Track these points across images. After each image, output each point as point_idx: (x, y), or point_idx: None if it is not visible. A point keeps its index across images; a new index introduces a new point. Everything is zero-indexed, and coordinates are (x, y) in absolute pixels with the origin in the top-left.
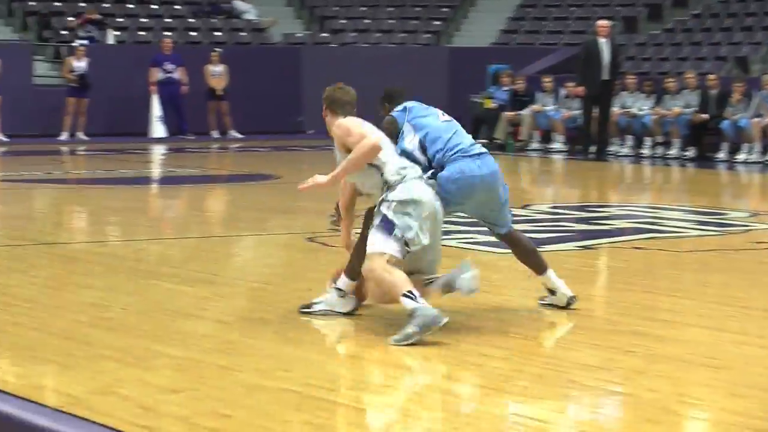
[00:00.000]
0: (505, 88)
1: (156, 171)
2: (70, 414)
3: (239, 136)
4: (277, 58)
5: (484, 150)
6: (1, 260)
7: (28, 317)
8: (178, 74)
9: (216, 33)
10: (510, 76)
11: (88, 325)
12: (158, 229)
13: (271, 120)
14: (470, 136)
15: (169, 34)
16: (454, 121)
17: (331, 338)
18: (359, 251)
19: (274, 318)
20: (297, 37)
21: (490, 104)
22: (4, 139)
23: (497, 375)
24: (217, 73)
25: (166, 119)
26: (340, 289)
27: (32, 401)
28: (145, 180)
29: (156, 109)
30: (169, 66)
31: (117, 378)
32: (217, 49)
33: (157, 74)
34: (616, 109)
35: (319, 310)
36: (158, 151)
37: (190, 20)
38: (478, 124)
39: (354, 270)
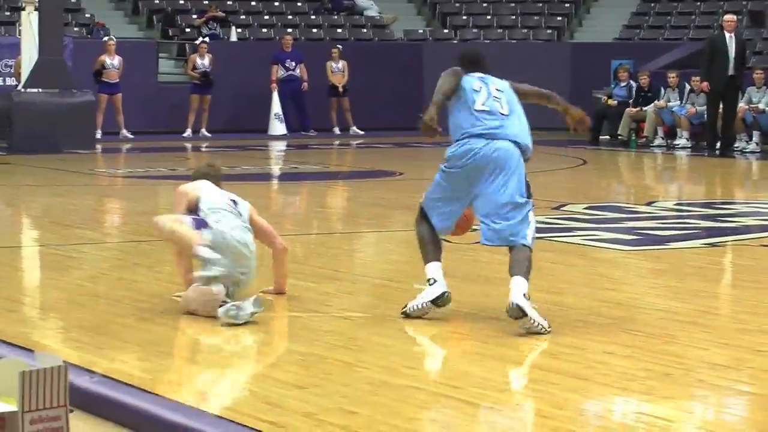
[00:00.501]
0: (623, 84)
1: (278, 167)
2: (197, 409)
3: (361, 132)
4: (398, 55)
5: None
6: (127, 256)
7: (154, 312)
8: (299, 71)
9: (337, 29)
10: (627, 71)
11: (213, 321)
12: (280, 225)
13: (392, 116)
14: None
15: (290, 31)
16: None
17: (455, 335)
18: None
19: (398, 314)
20: (418, 33)
21: (610, 102)
22: (129, 135)
23: (622, 374)
24: (338, 70)
25: (288, 116)
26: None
27: (160, 396)
28: (267, 176)
29: (276, 106)
30: (290, 63)
31: (244, 374)
32: (338, 46)
33: (277, 71)
34: (742, 105)
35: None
36: (279, 148)
37: (311, 17)
38: (601, 120)
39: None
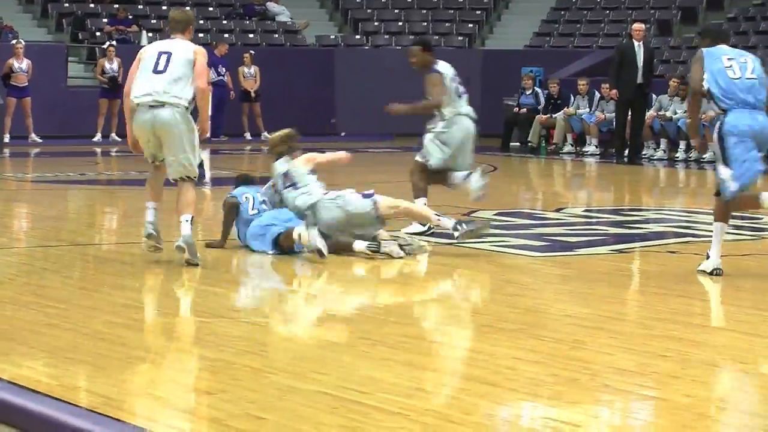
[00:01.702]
0: (528, 91)
1: None
2: (103, 415)
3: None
4: (310, 60)
5: None
6: (36, 261)
7: (62, 318)
8: (227, 78)
9: (249, 35)
10: (532, 78)
11: (122, 326)
12: (203, 230)
13: (304, 121)
14: None
15: (201, 35)
16: None
17: (364, 341)
18: None
19: (305, 319)
20: (330, 39)
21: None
22: (38, 140)
23: (530, 379)
24: (249, 75)
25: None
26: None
27: (67, 402)
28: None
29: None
30: (221, 69)
31: (151, 379)
32: (250, 51)
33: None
34: (651, 112)
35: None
36: None
37: (223, 22)
38: (511, 127)
39: None
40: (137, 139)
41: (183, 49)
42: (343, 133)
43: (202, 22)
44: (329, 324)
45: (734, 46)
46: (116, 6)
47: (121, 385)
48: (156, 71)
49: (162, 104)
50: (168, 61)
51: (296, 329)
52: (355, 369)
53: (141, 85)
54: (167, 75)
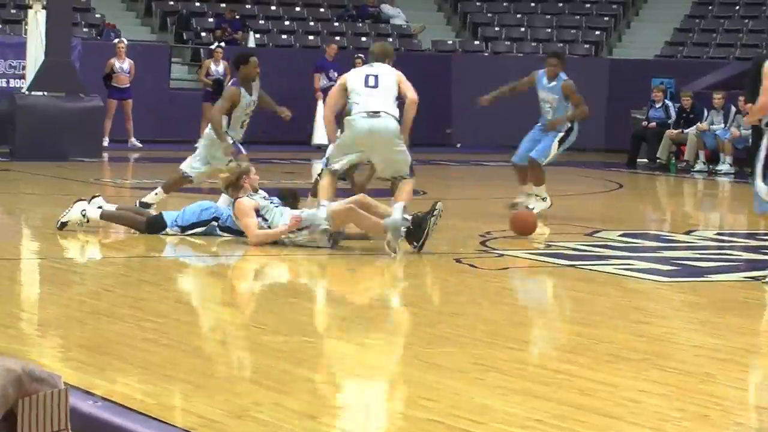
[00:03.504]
0: (658, 105)
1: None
2: None
3: None
4: (426, 66)
5: None
6: (133, 272)
7: (159, 333)
8: None
9: (362, 38)
10: (663, 91)
11: (223, 344)
12: None
13: (417, 132)
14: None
15: (311, 38)
16: None
17: (478, 366)
18: None
19: (418, 342)
20: (447, 44)
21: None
22: (138, 144)
23: (655, 413)
24: None
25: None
26: None
27: (163, 421)
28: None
29: (320, 116)
30: (332, 73)
31: (254, 401)
32: (360, 55)
33: (320, 80)
34: None
35: None
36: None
37: (334, 24)
38: (639, 142)
39: None
40: None
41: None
42: (458, 144)
43: (312, 23)
44: (439, 346)
45: None
46: (222, 5)
47: (221, 406)
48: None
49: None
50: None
51: (401, 351)
52: (469, 397)
53: None
54: None
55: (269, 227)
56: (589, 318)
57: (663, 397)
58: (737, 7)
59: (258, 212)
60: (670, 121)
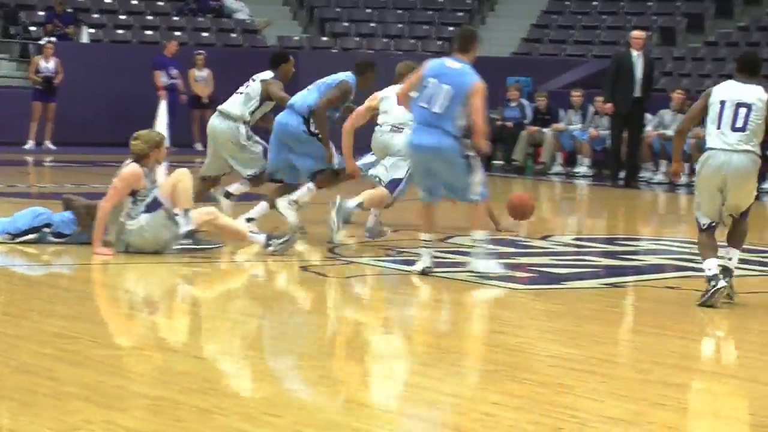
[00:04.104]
0: (513, 103)
1: None
2: None
3: None
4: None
5: None
6: None
7: None
8: (179, 80)
9: (203, 33)
10: (518, 89)
11: (52, 359)
12: None
13: (262, 131)
14: None
15: (149, 33)
16: None
17: (326, 380)
18: None
19: (258, 355)
20: (294, 40)
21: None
22: None
23: (510, 426)
24: (201, 79)
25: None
26: None
27: None
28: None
29: (163, 117)
30: (172, 71)
31: (84, 419)
32: (201, 52)
33: (161, 78)
34: (650, 130)
35: None
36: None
37: (173, 18)
38: (493, 143)
39: None
40: None
41: None
42: None
43: (150, 18)
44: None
45: None
46: None
47: (50, 424)
48: None
49: None
50: None
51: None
52: (316, 410)
53: None
54: None
55: (129, 215)
56: (440, 328)
57: (517, 410)
58: (594, 3)
59: (136, 192)
60: (526, 121)
